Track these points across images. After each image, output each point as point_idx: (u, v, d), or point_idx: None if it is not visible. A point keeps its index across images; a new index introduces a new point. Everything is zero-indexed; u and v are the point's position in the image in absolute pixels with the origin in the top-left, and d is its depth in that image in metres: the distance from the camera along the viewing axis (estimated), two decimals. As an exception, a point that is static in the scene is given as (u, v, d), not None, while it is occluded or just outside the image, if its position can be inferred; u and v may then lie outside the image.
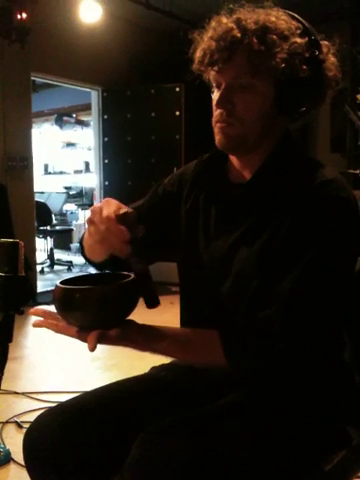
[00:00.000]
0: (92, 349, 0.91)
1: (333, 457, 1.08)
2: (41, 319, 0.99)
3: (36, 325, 0.98)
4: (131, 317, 0.99)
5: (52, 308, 0.99)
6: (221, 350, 0.97)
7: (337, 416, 1.10)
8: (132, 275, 0.98)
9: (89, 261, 1.20)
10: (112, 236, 0.95)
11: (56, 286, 0.96)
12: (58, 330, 0.97)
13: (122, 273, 1.00)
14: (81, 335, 0.94)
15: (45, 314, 0.99)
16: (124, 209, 0.96)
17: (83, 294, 0.93)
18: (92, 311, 0.92)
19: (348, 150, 5.45)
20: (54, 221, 7.17)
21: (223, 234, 1.12)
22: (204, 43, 1.05)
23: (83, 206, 9.07)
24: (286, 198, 1.03)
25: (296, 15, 1.07)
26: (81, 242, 1.20)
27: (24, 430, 1.47)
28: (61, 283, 0.97)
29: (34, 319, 0.99)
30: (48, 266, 7.01)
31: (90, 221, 0.98)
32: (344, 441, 1.10)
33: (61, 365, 3.32)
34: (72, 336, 0.96)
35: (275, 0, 1.08)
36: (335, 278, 1.00)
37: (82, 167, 10.11)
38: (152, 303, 0.97)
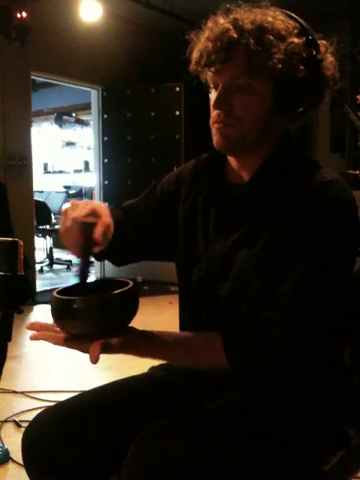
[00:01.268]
0: (95, 361, 0.88)
1: (332, 457, 1.08)
2: (38, 332, 0.96)
3: (34, 338, 0.95)
4: None
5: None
6: (223, 352, 0.97)
7: (336, 416, 1.10)
8: (131, 282, 0.97)
9: None
10: (69, 237, 0.97)
11: (53, 296, 0.93)
12: (57, 342, 0.94)
13: (122, 280, 0.99)
14: (83, 346, 0.91)
15: (42, 327, 0.96)
16: (91, 219, 0.97)
17: (81, 304, 0.90)
18: (91, 321, 0.90)
19: (348, 150, 5.44)
20: (53, 220, 7.16)
21: (222, 235, 1.11)
22: (201, 44, 1.04)
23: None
24: (286, 199, 1.03)
25: (293, 15, 1.06)
26: None
27: (23, 429, 1.47)
28: (58, 293, 0.94)
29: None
30: (47, 265, 7.02)
31: (64, 212, 0.99)
32: (343, 441, 1.10)
33: (60, 364, 3.31)
34: (72, 348, 0.94)
35: None
36: (335, 279, 1.00)
37: (82, 166, 10.09)
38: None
